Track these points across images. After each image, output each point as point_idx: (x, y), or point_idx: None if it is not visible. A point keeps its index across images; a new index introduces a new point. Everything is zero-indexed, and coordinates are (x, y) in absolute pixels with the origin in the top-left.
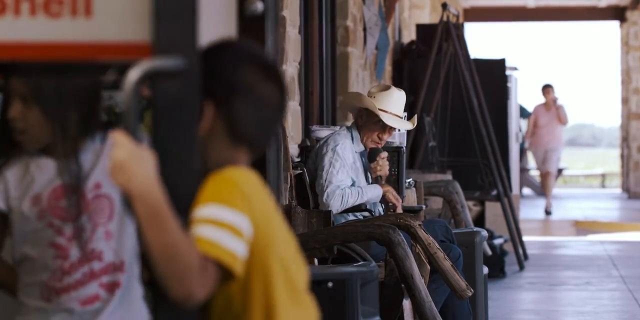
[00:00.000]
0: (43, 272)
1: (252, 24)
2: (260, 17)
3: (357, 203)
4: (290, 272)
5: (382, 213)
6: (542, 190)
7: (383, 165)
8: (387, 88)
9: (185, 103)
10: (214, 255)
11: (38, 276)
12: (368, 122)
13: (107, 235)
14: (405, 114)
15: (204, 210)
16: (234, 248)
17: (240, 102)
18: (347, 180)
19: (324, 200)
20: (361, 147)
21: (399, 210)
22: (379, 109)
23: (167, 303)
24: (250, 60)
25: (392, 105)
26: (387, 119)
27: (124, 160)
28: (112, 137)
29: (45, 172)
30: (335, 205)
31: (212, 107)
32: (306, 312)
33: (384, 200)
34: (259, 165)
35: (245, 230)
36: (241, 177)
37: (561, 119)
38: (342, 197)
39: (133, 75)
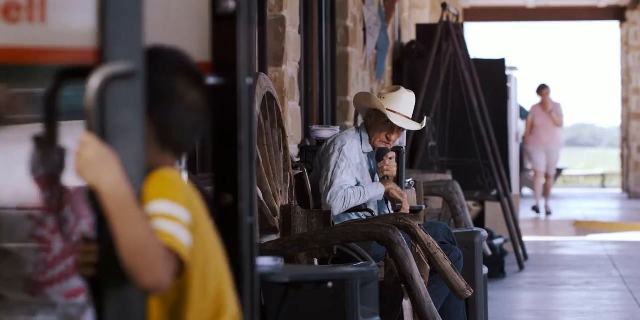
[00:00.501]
0: (25, 266)
1: (223, 23)
2: (232, 16)
3: (360, 203)
4: (220, 264)
5: (390, 212)
6: (533, 189)
7: (390, 165)
8: (396, 89)
9: (135, 104)
10: (172, 247)
11: (20, 270)
12: (377, 122)
13: (91, 227)
14: None
15: (153, 205)
16: (185, 240)
17: (171, 109)
18: (351, 181)
19: (327, 201)
20: (370, 148)
21: (405, 205)
22: (388, 110)
23: (112, 292)
24: (178, 68)
25: (401, 106)
26: (395, 119)
27: (92, 159)
28: (80, 138)
29: (25, 162)
30: (338, 206)
31: (145, 115)
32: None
33: (389, 198)
34: (231, 155)
35: (189, 223)
36: (176, 176)
37: (556, 122)
38: (344, 198)
39: (95, 80)
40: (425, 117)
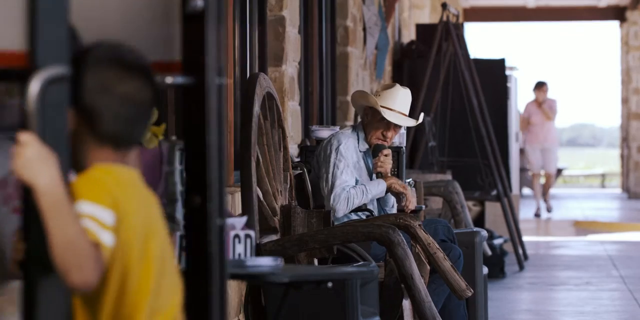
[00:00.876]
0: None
1: (192, 22)
2: (200, 15)
3: (363, 202)
4: (151, 264)
5: (395, 209)
6: (532, 190)
7: (384, 161)
8: (391, 86)
9: (63, 106)
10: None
11: (8, 265)
12: (373, 120)
13: None
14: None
15: (78, 206)
16: (105, 240)
17: (99, 103)
18: (351, 181)
19: (331, 204)
20: (366, 146)
21: (409, 197)
22: (383, 107)
23: (42, 284)
24: (108, 60)
25: (397, 102)
26: (390, 116)
27: (32, 158)
28: (20, 138)
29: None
30: (342, 208)
31: (74, 110)
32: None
33: (392, 192)
34: (200, 155)
35: (111, 223)
36: (105, 174)
37: (547, 115)
38: (348, 199)
39: (35, 84)
40: (422, 113)
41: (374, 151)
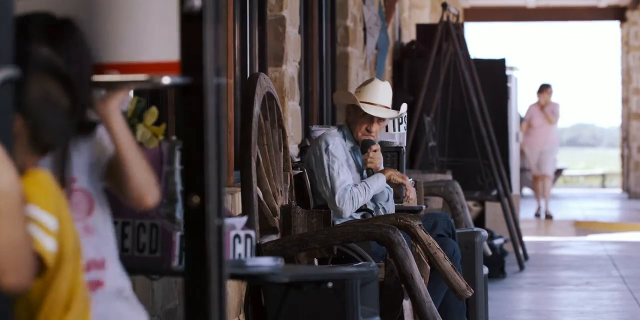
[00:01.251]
0: None
1: (190, 22)
2: (198, 15)
3: (367, 199)
4: (77, 267)
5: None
6: (533, 192)
7: (374, 157)
8: (369, 81)
9: (9, 109)
10: (38, 252)
11: None
12: (356, 116)
13: (87, 230)
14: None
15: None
16: (48, 246)
17: (43, 113)
18: (350, 179)
19: (337, 207)
20: (352, 144)
21: (409, 187)
22: (364, 102)
23: None
24: (48, 73)
25: (379, 96)
26: (369, 109)
27: None
28: None
29: None
30: (348, 209)
31: (19, 116)
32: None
33: (391, 184)
34: (199, 156)
35: (54, 229)
36: (45, 179)
37: (549, 119)
38: (352, 199)
39: None
40: (405, 104)
41: (362, 147)
